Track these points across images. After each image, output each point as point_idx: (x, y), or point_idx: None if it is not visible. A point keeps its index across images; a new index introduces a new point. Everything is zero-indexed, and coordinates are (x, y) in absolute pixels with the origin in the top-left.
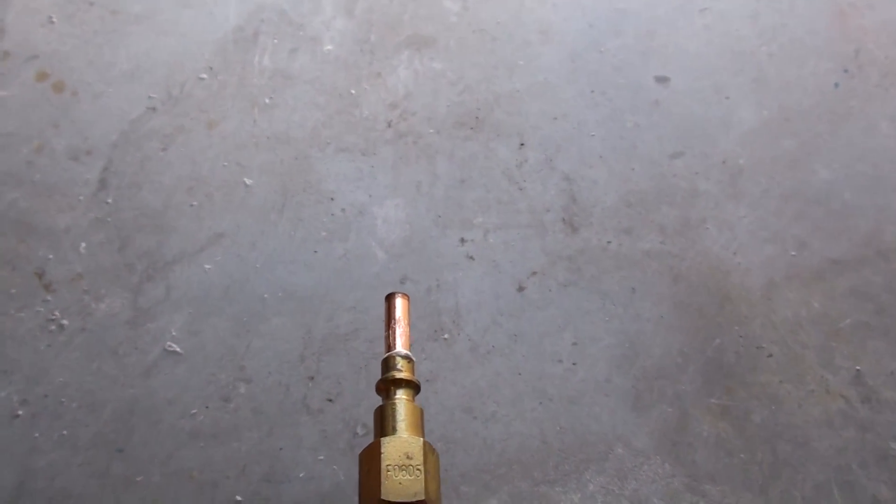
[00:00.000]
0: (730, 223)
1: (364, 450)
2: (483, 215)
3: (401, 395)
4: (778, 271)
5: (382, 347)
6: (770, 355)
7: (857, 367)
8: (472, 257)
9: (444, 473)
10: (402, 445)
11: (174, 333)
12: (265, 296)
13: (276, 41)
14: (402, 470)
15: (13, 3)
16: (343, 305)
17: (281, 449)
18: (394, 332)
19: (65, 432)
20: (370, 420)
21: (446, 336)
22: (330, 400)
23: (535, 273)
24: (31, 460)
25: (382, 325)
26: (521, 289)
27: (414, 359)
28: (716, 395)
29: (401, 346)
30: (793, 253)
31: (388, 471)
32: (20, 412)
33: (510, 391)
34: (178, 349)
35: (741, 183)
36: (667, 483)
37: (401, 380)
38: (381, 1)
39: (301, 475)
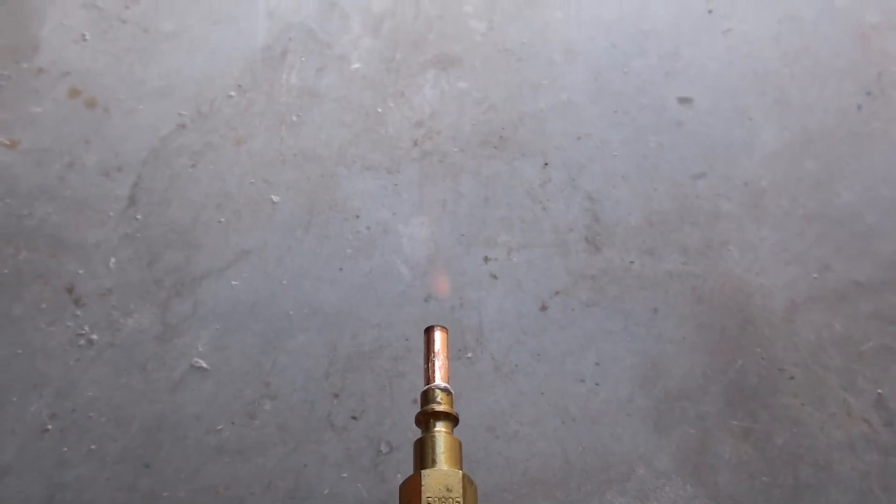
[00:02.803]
0: (752, 244)
1: (404, 482)
2: (507, 234)
3: (440, 428)
4: (800, 293)
5: (406, 365)
6: (792, 377)
7: (879, 391)
8: (495, 276)
9: None
10: (441, 478)
11: (201, 349)
12: (291, 312)
13: (303, 59)
14: (442, 502)
15: (47, 20)
16: (368, 323)
17: (305, 466)
18: (433, 365)
19: (93, 447)
20: (394, 438)
21: (469, 355)
22: (354, 417)
23: (557, 292)
24: (59, 474)
25: (407, 343)
26: (543, 308)
27: (452, 391)
28: (738, 416)
29: (440, 378)
30: (815, 275)
31: (429, 503)
32: (49, 426)
33: (533, 411)
34: (204, 365)
35: (764, 204)
36: None
37: (440, 412)
38: (408, 20)
39: (325, 492)
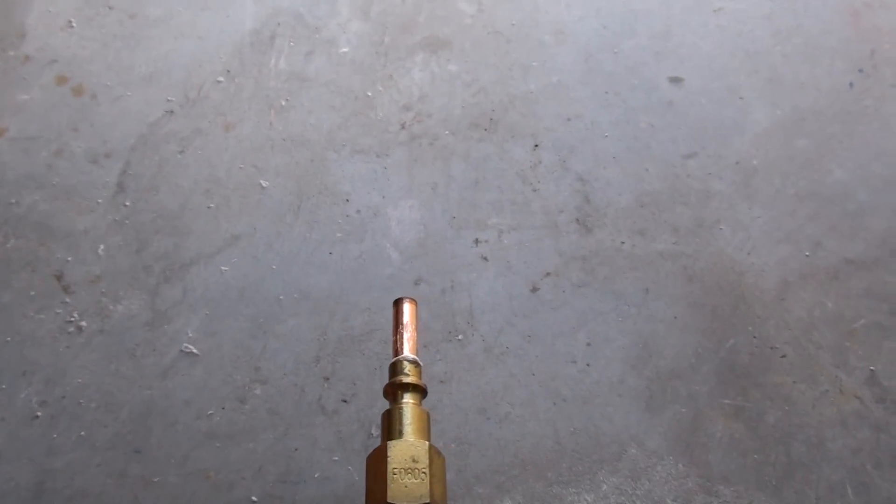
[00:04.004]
0: (744, 224)
1: (371, 453)
2: (497, 216)
3: (407, 400)
4: (792, 272)
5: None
6: (784, 356)
7: (872, 368)
8: (486, 258)
9: (458, 474)
10: (408, 449)
11: (191, 335)
12: (281, 297)
13: (292, 44)
14: (408, 473)
15: (33, 8)
16: (358, 306)
17: (296, 449)
18: (401, 337)
19: (83, 433)
20: None
21: (460, 337)
22: (345, 401)
23: (548, 274)
24: (49, 461)
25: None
26: (534, 289)
27: (421, 363)
28: (729, 395)
29: (408, 350)
30: (807, 253)
31: (394, 474)
32: (39, 413)
33: (524, 392)
34: (194, 350)
35: (755, 183)
36: (680, 483)
37: (407, 384)
38: (396, 3)
39: (316, 475)
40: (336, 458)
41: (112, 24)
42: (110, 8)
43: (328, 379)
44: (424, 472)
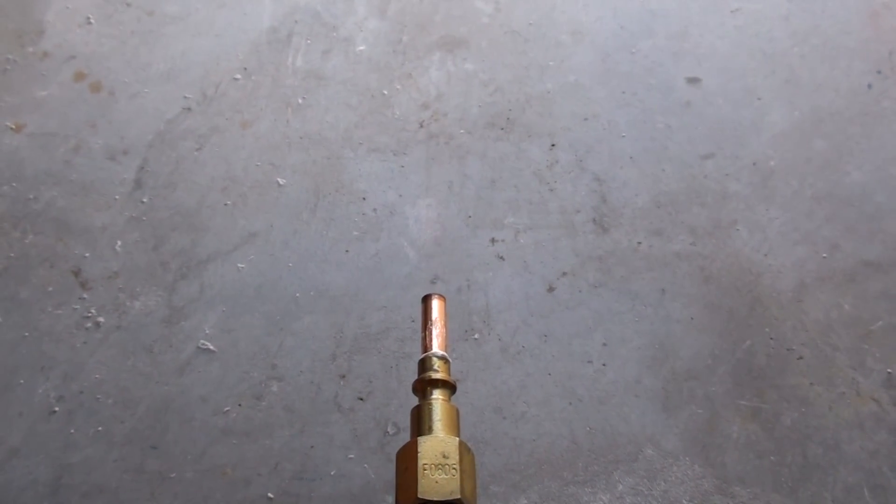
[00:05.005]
0: (761, 225)
1: (401, 449)
2: (514, 216)
3: (437, 396)
4: (809, 273)
5: (413, 347)
6: (801, 357)
7: (889, 370)
8: (502, 257)
9: None
10: (438, 445)
11: (208, 331)
12: (297, 295)
13: (309, 42)
14: (439, 469)
15: (52, 4)
16: (374, 305)
17: (312, 447)
18: (430, 333)
19: (100, 428)
20: (401, 419)
21: (476, 336)
22: (361, 399)
23: (565, 273)
24: (67, 456)
25: (413, 325)
26: (551, 289)
27: (450, 359)
28: (746, 396)
29: (437, 346)
30: (824, 255)
31: (425, 470)
32: (57, 408)
33: (540, 391)
34: (211, 347)
35: (772, 184)
36: (696, 484)
37: (437, 380)
38: (413, 2)
39: (332, 473)
40: (352, 456)
41: (130, 21)
42: (128, 5)
43: (344, 377)
44: (455, 468)
